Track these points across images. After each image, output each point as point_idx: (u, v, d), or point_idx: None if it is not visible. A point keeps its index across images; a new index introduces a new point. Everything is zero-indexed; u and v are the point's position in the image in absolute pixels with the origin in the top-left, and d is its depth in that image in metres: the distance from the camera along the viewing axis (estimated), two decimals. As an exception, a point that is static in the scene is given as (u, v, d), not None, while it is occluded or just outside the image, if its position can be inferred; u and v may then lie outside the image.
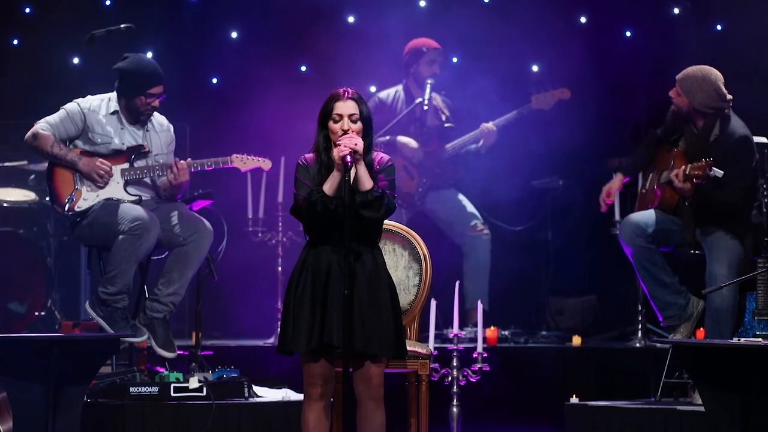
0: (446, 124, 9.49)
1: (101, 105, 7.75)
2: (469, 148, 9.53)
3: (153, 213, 7.60)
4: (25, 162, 9.48)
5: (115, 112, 7.74)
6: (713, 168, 7.41)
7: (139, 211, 7.53)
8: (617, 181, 8.23)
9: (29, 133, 7.66)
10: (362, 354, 5.81)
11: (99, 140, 7.70)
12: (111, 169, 7.67)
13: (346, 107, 5.90)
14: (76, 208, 7.65)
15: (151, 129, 7.82)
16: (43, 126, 7.66)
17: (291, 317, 5.84)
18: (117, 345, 7.19)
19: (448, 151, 9.50)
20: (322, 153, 5.93)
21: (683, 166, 7.54)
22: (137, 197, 7.68)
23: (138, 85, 7.67)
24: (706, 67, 7.70)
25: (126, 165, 7.71)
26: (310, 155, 5.98)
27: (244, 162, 7.81)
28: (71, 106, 7.74)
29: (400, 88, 9.62)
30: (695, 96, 7.65)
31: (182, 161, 7.69)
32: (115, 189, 7.69)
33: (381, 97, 9.60)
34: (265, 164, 7.91)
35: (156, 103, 7.72)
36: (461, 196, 9.58)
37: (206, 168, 7.76)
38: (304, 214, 5.87)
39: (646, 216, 7.83)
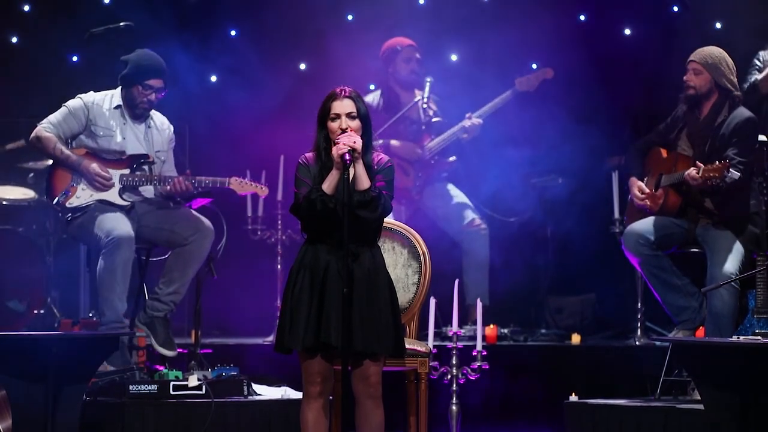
0: (434, 119, 9.47)
1: (104, 99, 7.81)
2: (455, 139, 9.51)
3: (151, 213, 7.64)
4: (22, 142, 9.43)
5: (118, 107, 7.78)
6: (731, 170, 7.38)
7: (115, 223, 7.54)
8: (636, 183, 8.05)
9: (33, 135, 7.70)
10: (361, 353, 5.81)
11: (101, 133, 7.73)
12: (111, 178, 7.69)
13: (343, 106, 5.89)
14: (68, 204, 7.69)
15: (153, 126, 7.88)
16: (46, 127, 7.68)
17: (289, 316, 5.84)
18: (116, 343, 7.19)
19: (438, 145, 9.48)
20: (322, 153, 5.93)
21: (697, 168, 7.49)
22: (129, 204, 7.71)
23: (136, 75, 7.72)
24: (716, 48, 7.70)
25: (127, 171, 7.73)
26: (310, 154, 5.97)
27: (241, 186, 7.84)
28: (74, 102, 7.77)
29: (379, 91, 9.58)
30: (720, 68, 7.64)
31: (180, 177, 7.70)
32: (110, 192, 7.71)
33: (367, 101, 9.56)
34: (262, 191, 7.95)
35: (153, 96, 7.74)
36: (457, 191, 9.56)
37: (203, 186, 7.76)
38: (304, 213, 5.87)
39: (647, 224, 7.79)
